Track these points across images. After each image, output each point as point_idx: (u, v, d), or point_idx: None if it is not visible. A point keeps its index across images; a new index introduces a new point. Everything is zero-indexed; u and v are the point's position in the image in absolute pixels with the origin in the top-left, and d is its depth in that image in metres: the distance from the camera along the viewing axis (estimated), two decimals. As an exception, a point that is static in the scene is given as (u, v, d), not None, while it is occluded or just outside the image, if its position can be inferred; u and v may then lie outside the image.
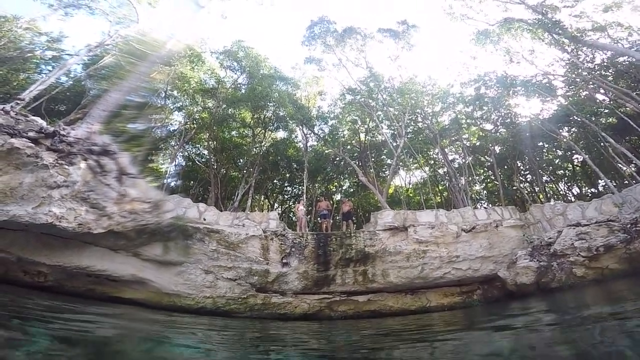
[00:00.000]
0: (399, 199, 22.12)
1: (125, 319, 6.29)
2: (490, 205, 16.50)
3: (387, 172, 20.80)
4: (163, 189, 14.73)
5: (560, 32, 14.07)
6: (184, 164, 21.02)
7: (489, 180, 22.56)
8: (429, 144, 19.56)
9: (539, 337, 4.15)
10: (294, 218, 20.33)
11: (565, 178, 21.51)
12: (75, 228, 6.52)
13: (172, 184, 19.23)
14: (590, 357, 3.00)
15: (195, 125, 18.17)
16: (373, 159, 20.47)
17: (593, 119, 14.52)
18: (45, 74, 13.95)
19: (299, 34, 45.05)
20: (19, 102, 8.71)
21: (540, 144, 18.42)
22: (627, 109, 13.72)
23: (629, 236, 7.69)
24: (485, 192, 21.47)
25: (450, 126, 18.88)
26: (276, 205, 24.46)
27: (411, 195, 24.36)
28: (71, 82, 16.08)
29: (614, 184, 12.70)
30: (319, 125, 20.29)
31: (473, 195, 20.01)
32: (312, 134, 20.06)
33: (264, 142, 19.42)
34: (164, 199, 9.62)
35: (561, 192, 21.22)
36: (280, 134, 21.69)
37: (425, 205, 17.92)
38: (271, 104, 17.26)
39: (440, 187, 23.03)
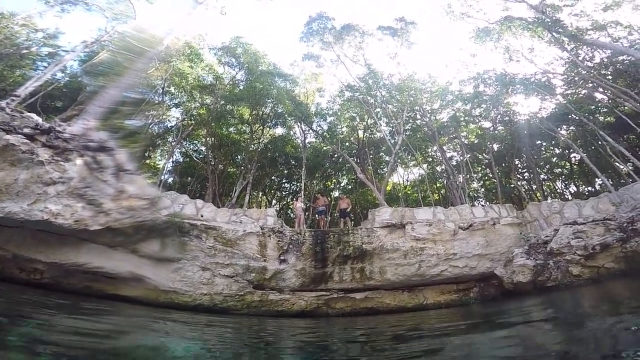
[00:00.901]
0: (397, 196, 22.15)
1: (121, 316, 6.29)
2: (487, 203, 16.50)
3: (385, 170, 20.82)
4: (160, 185, 14.71)
5: (560, 30, 14.02)
6: (181, 160, 21.00)
7: (486, 178, 22.60)
8: (427, 142, 19.53)
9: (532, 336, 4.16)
10: (291, 215, 20.35)
11: (563, 176, 21.54)
12: (71, 225, 6.48)
13: (170, 180, 19.26)
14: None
15: (192, 122, 18.09)
16: (371, 156, 20.45)
17: (591, 117, 14.52)
18: (41, 70, 13.84)
19: (297, 30, 44.86)
20: (14, 98, 8.61)
21: (538, 142, 18.45)
22: (626, 107, 13.75)
23: (625, 235, 7.71)
24: (482, 189, 21.48)
25: (449, 124, 18.83)
26: (274, 202, 24.43)
27: (409, 192, 24.36)
28: (67, 79, 16.02)
29: (611, 183, 12.71)
30: (318, 122, 20.17)
31: (471, 193, 20.04)
32: (311, 131, 19.98)
33: (262, 139, 19.36)
34: (161, 195, 9.63)
35: (558, 190, 21.30)
36: (279, 131, 21.66)
37: (423, 203, 17.94)
38: (269, 100, 17.19)
39: (438, 185, 23.06)
